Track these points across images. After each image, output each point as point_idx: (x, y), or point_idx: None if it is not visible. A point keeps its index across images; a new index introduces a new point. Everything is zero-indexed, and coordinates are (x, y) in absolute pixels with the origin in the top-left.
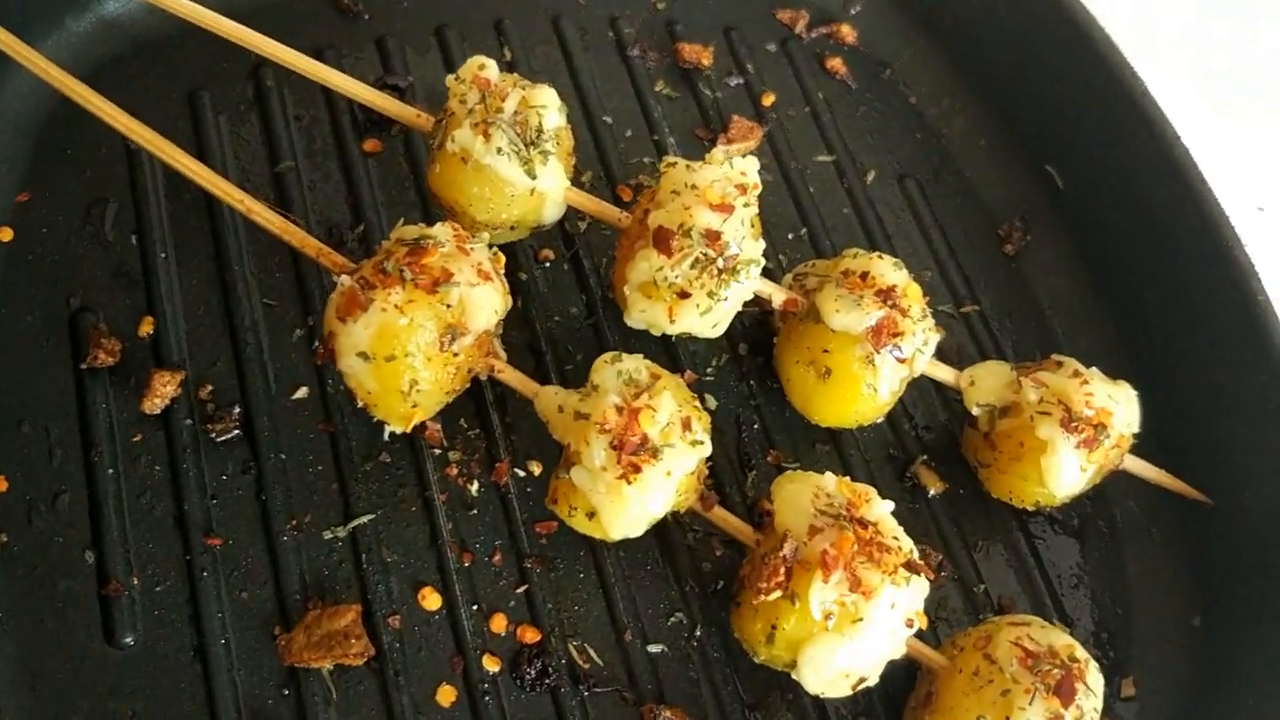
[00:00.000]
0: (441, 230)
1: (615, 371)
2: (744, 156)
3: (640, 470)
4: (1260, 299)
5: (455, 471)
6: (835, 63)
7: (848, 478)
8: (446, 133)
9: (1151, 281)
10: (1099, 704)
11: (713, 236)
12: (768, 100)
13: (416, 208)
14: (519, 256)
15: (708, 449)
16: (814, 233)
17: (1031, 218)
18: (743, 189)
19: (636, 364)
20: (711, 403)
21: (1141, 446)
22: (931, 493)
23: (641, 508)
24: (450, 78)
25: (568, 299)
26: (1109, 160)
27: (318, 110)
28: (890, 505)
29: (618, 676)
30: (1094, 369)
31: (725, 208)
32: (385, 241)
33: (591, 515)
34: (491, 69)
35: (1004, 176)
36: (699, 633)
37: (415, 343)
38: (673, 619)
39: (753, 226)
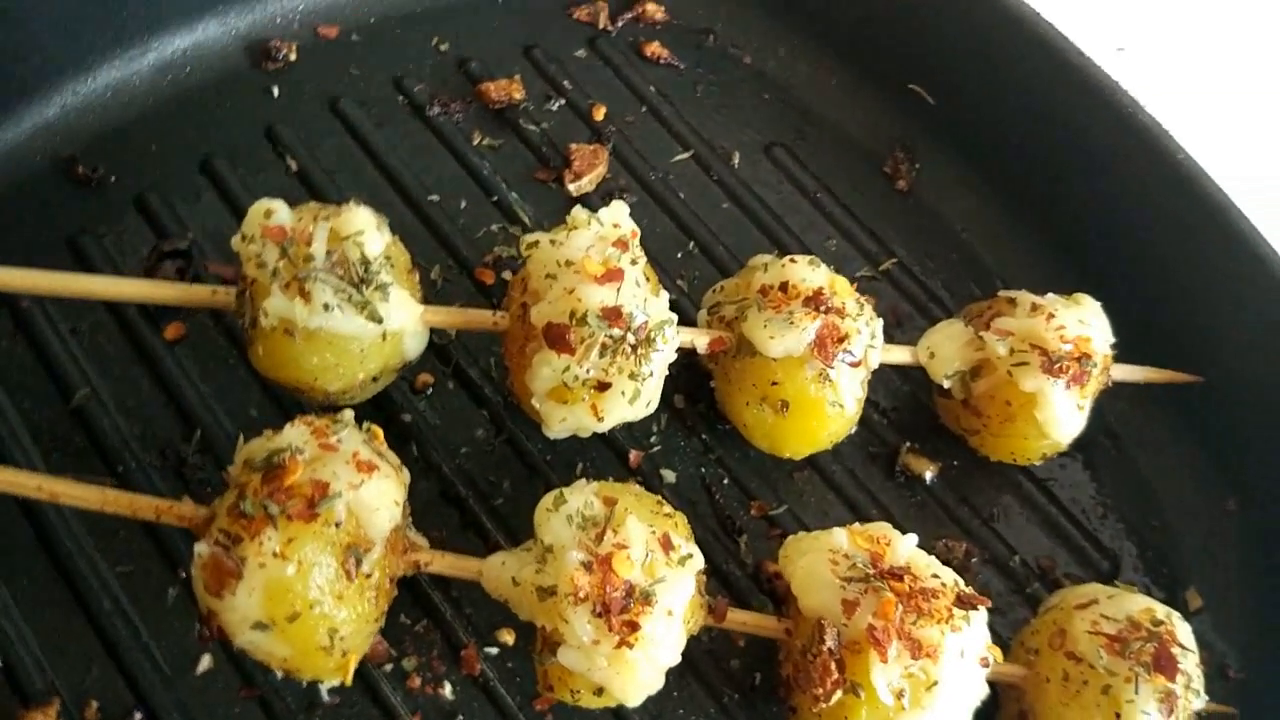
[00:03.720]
0: (294, 433)
1: (564, 518)
2: (608, 203)
3: (638, 627)
4: (1180, 157)
5: (418, 682)
6: (653, 47)
7: (833, 494)
8: (255, 306)
9: (1057, 170)
10: (1197, 655)
11: (612, 314)
12: (599, 114)
13: (252, 385)
14: (394, 397)
15: (699, 559)
16: (702, 243)
17: (912, 145)
18: (623, 244)
19: (582, 497)
20: (670, 476)
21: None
22: (928, 477)
23: (653, 666)
24: (235, 240)
25: (467, 423)
26: (974, 58)
27: (95, 313)
28: (913, 539)
29: None
30: (1049, 295)
31: (613, 275)
32: (231, 469)
33: (600, 692)
34: (280, 211)
35: (869, 111)
36: None
37: (315, 587)
38: None
39: (649, 279)
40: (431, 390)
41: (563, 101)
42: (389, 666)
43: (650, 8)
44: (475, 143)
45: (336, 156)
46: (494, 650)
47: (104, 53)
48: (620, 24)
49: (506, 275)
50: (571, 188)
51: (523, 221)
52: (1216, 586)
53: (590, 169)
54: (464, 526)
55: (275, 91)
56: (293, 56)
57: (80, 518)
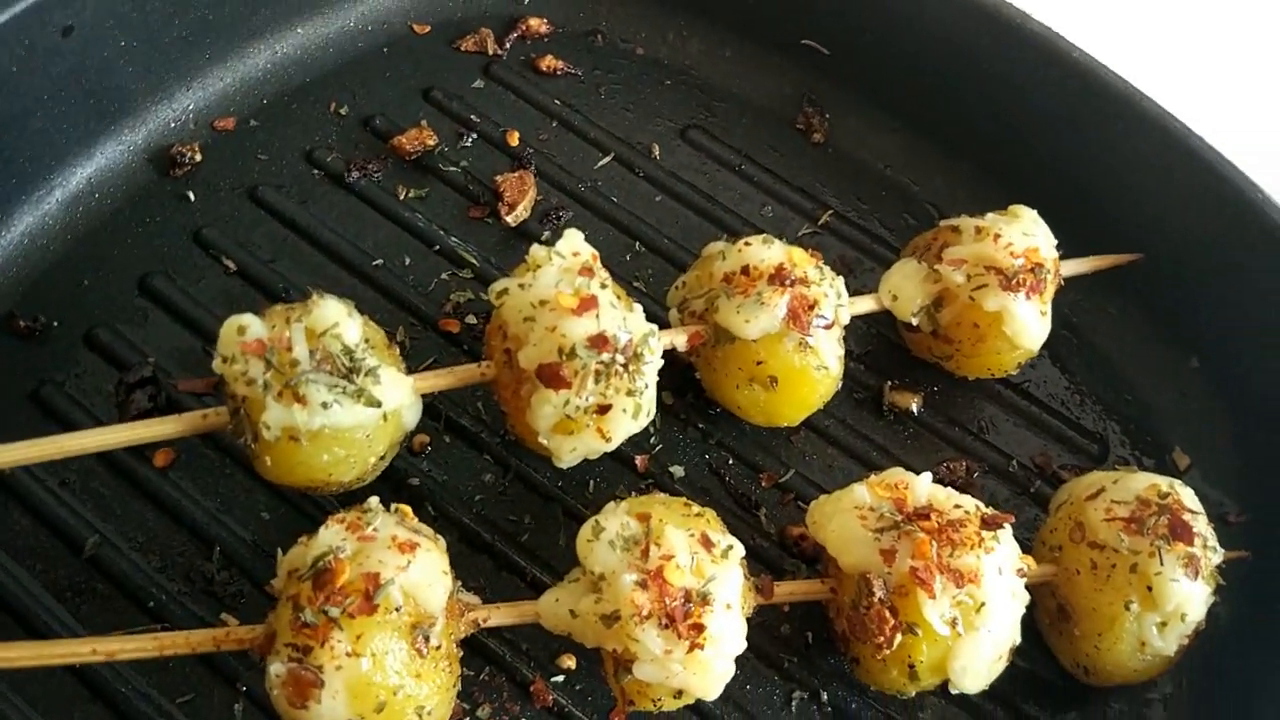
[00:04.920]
0: (330, 534)
1: (606, 545)
2: (546, 225)
3: (703, 627)
4: (1075, 55)
5: None
6: (548, 60)
7: (833, 448)
8: (254, 421)
9: (959, 91)
10: (1204, 515)
11: (598, 341)
12: (513, 139)
13: (255, 489)
14: (396, 465)
15: (740, 547)
16: (646, 240)
17: (818, 97)
18: (588, 271)
19: (617, 520)
20: (679, 471)
21: None
22: (915, 409)
23: (725, 659)
24: (217, 363)
25: (473, 471)
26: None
27: (80, 460)
28: (928, 476)
29: None
30: (988, 215)
31: (588, 303)
32: (275, 582)
33: (679, 694)
34: (252, 325)
35: (769, 73)
36: (825, 696)
37: (394, 673)
38: (795, 703)
39: (619, 297)
40: (430, 449)
41: (475, 136)
42: None
43: (533, 22)
44: (402, 197)
45: (270, 245)
46: (560, 678)
47: (9, 202)
48: (508, 45)
49: (471, 319)
50: (509, 219)
51: (470, 263)
52: (1199, 442)
53: (521, 196)
54: (498, 569)
55: (191, 196)
56: (198, 157)
57: (133, 667)
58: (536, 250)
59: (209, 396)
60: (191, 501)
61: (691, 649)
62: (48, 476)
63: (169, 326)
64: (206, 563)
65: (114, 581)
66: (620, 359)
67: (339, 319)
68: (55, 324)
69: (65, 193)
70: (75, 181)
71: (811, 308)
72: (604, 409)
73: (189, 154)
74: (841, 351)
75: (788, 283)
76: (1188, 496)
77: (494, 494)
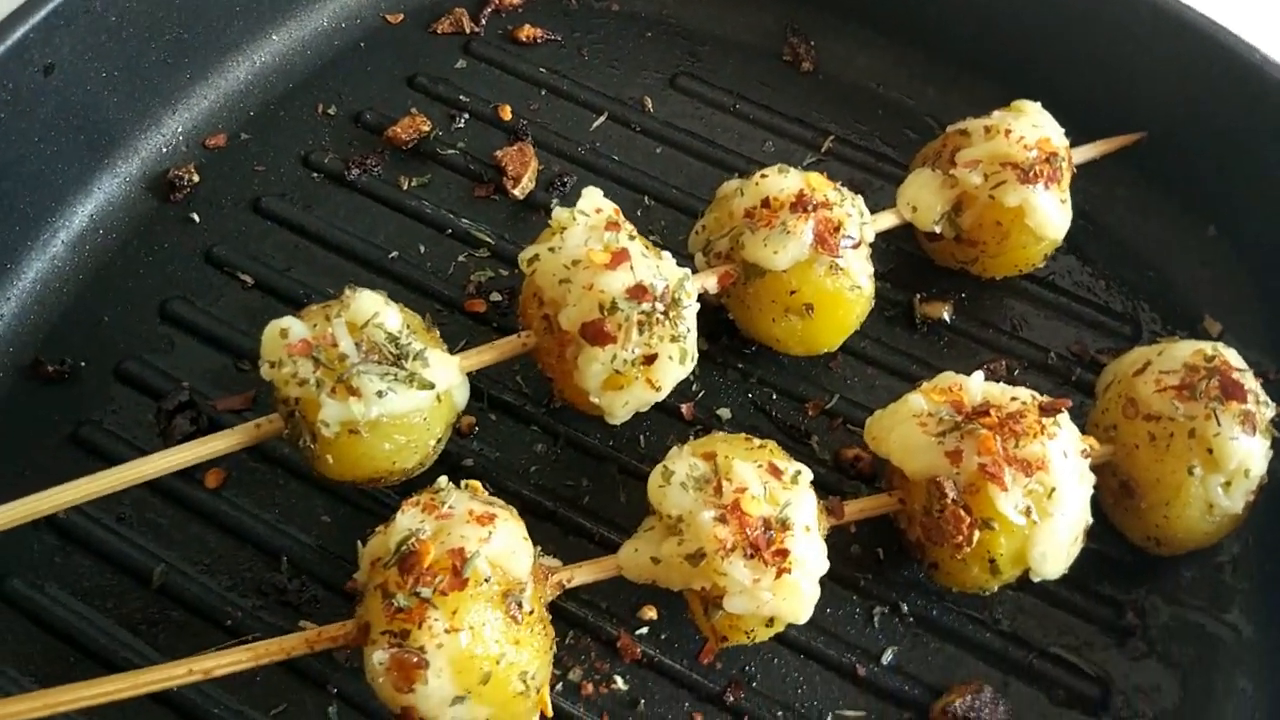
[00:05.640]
0: (408, 518)
1: (679, 488)
2: (552, 194)
3: (788, 551)
4: None
5: (591, 687)
6: (526, 30)
7: (872, 368)
8: (310, 421)
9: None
10: (1251, 372)
11: (637, 292)
12: (506, 113)
13: (312, 495)
14: (449, 450)
15: (808, 472)
16: (654, 193)
17: (800, 26)
18: (614, 225)
19: (685, 463)
20: (725, 413)
21: None
22: (946, 317)
23: (811, 580)
24: (264, 369)
25: (524, 444)
26: None
27: (131, 493)
28: (979, 374)
29: (886, 715)
30: (994, 112)
31: (620, 256)
32: (359, 577)
33: (771, 622)
34: (293, 327)
35: (747, 10)
36: (905, 608)
37: (494, 643)
38: (877, 618)
39: (648, 247)
40: (478, 429)
41: (467, 116)
42: (559, 686)
43: None
44: (405, 187)
45: (283, 254)
46: (644, 630)
47: (16, 250)
48: (484, 21)
49: (495, 296)
50: (516, 192)
51: (485, 241)
52: (1227, 307)
53: (524, 168)
54: (565, 535)
55: (195, 217)
56: (196, 178)
57: (211, 682)
58: (560, 213)
59: (248, 411)
60: (250, 517)
61: (779, 574)
62: (103, 514)
63: (196, 349)
64: (276, 574)
65: (187, 607)
66: (660, 306)
67: (378, 308)
68: (83, 364)
69: (70, 233)
70: (78, 220)
71: (837, 229)
72: (650, 359)
73: (186, 176)
74: (871, 270)
75: (810, 208)
76: (1233, 356)
77: (548, 463)
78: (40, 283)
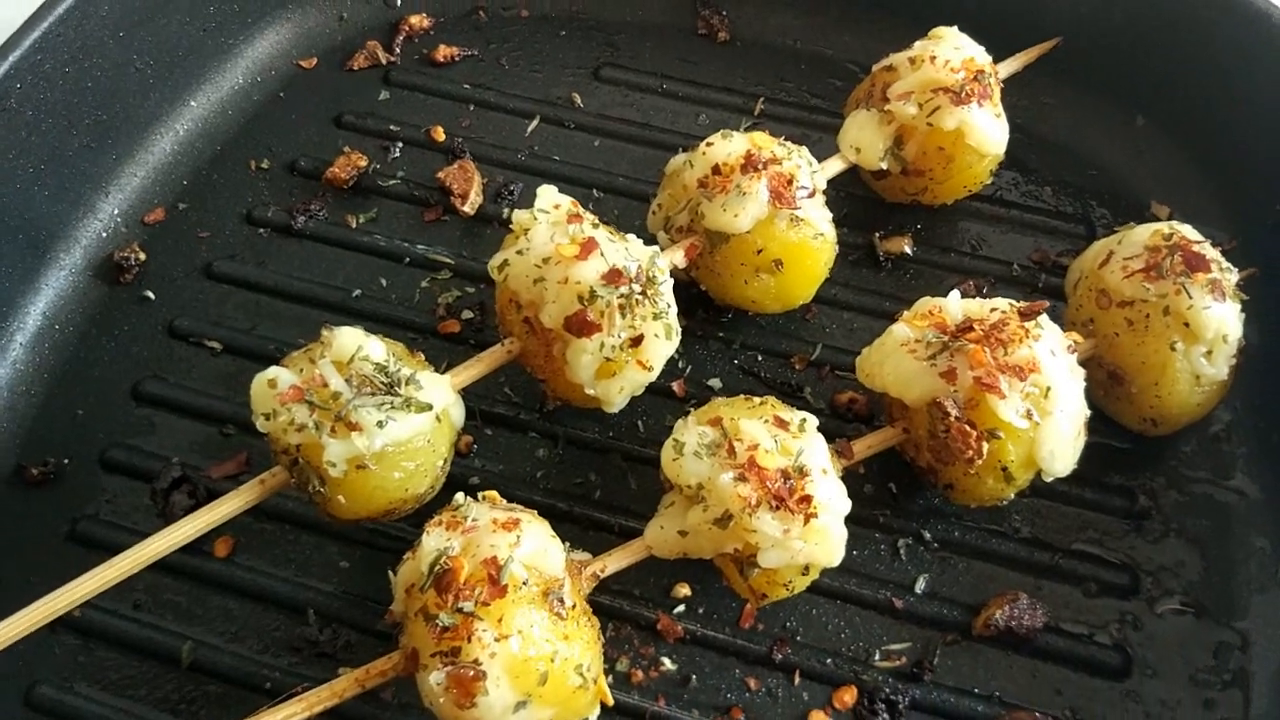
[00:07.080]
0: (434, 539)
1: (692, 458)
2: (500, 204)
3: (811, 497)
4: None
5: (640, 674)
6: (442, 50)
7: (848, 313)
8: (315, 465)
9: None
10: (1208, 241)
11: (612, 276)
12: (439, 135)
13: (326, 544)
14: (453, 473)
15: (813, 418)
16: (602, 185)
17: None
18: (576, 217)
19: (694, 432)
20: (715, 383)
21: None
22: (908, 250)
23: (838, 521)
24: (259, 422)
25: (525, 451)
26: None
27: (142, 578)
28: (955, 293)
29: (931, 641)
30: (915, 44)
31: (589, 245)
32: (395, 608)
33: (806, 569)
34: (280, 375)
35: None
36: (928, 535)
37: (544, 641)
38: (903, 550)
39: (614, 232)
40: (476, 446)
41: (401, 144)
42: (610, 679)
43: (414, 21)
44: (354, 225)
45: (245, 314)
46: (680, 609)
47: None
48: (398, 50)
49: (467, 314)
50: (465, 209)
51: (444, 263)
52: (1170, 188)
53: (468, 185)
54: (585, 531)
55: (151, 294)
56: (142, 256)
57: None
58: (520, 215)
59: (244, 474)
60: (268, 577)
61: (807, 520)
62: (118, 605)
63: (178, 424)
64: (305, 627)
65: (223, 678)
66: (636, 287)
67: (360, 342)
68: (66, 461)
69: (26, 334)
70: (32, 320)
71: (790, 182)
72: (637, 340)
73: (132, 256)
74: (830, 216)
75: (760, 167)
76: (1189, 231)
77: (553, 465)
78: (6, 389)
